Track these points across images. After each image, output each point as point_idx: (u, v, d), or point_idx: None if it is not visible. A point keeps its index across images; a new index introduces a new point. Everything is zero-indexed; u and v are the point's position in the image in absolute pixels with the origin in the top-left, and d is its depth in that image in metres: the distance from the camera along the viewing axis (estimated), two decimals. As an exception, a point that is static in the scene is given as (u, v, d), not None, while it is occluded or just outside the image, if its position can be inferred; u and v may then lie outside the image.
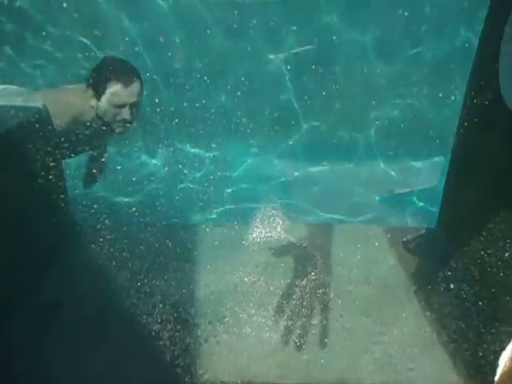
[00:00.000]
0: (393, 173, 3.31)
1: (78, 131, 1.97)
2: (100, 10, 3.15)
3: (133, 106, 2.01)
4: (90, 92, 1.98)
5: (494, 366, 0.93)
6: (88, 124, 2.01)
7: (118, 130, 2.05)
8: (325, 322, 1.41)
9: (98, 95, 1.97)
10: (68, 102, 1.95)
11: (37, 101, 1.65)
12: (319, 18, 3.32)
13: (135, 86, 1.99)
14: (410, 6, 3.25)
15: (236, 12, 3.17)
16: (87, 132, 2.02)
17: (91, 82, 1.97)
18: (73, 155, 2.15)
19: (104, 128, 2.05)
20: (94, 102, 1.98)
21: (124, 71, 1.98)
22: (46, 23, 3.14)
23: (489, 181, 1.21)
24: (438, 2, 3.27)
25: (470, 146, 1.35)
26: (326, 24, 3.34)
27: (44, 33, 3.13)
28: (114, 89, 1.96)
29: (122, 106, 1.98)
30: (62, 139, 1.84)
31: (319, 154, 3.42)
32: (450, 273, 1.36)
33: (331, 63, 3.40)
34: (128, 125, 2.05)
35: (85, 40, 3.15)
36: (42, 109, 1.57)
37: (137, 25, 3.21)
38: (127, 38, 3.18)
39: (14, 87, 2.21)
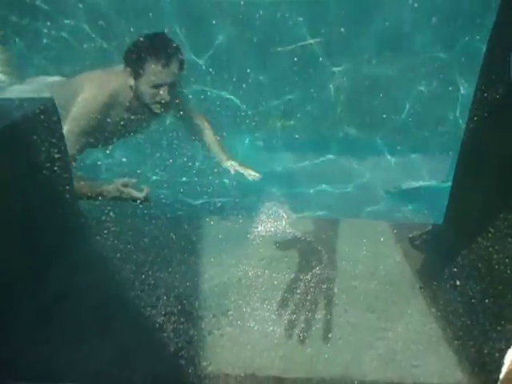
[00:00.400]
0: (400, 168, 3.29)
1: (117, 113, 1.93)
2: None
3: (171, 85, 1.90)
4: (128, 71, 1.89)
5: (499, 363, 0.93)
6: (127, 106, 1.96)
7: (156, 112, 1.96)
8: (329, 316, 1.40)
9: (136, 75, 1.88)
10: (108, 84, 1.90)
11: (47, 93, 1.65)
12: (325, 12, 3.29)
13: (174, 65, 1.87)
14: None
15: (242, 2, 3.14)
16: (126, 114, 1.96)
17: (129, 60, 1.89)
18: (113, 140, 2.08)
19: (143, 110, 1.97)
20: (132, 82, 1.90)
21: (162, 48, 1.85)
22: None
23: (497, 177, 1.19)
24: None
25: (479, 142, 1.33)
26: (332, 17, 3.31)
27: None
28: (151, 67, 1.84)
29: (159, 86, 1.88)
30: (102, 122, 1.83)
31: (326, 148, 3.41)
32: (456, 269, 1.35)
33: (338, 57, 3.37)
34: (166, 106, 1.96)
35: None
36: (50, 100, 1.56)
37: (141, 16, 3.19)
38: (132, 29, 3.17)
39: (58, 77, 2.31)
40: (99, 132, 1.92)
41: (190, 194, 2.61)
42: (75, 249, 1.64)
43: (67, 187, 1.62)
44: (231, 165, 2.23)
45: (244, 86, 3.32)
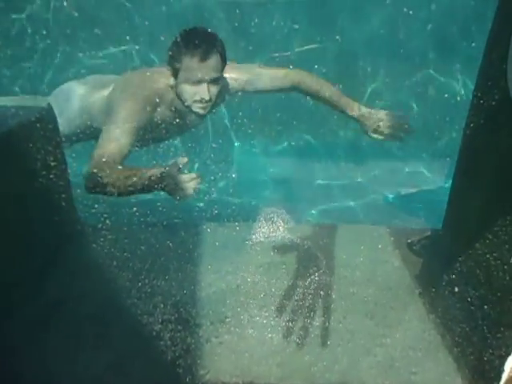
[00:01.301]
0: (398, 172, 3.29)
1: (160, 115, 1.80)
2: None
3: (212, 82, 1.73)
4: (169, 70, 1.76)
5: (499, 371, 0.92)
6: (169, 107, 1.82)
7: (196, 111, 1.78)
8: (327, 323, 1.39)
9: (175, 73, 1.74)
10: (151, 83, 1.78)
11: (41, 100, 1.65)
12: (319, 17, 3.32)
13: (212, 59, 1.69)
14: (411, 6, 3.23)
15: (238, 11, 3.16)
16: (168, 116, 1.83)
17: (168, 58, 1.74)
18: (152, 142, 1.96)
19: (184, 110, 1.81)
20: (172, 81, 1.76)
21: (197, 42, 1.68)
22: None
23: (495, 183, 1.19)
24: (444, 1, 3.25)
25: (477, 147, 1.33)
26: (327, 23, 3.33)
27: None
28: (187, 63, 1.68)
29: (198, 83, 1.71)
30: (145, 125, 1.73)
31: (323, 154, 3.40)
32: (454, 275, 1.34)
33: (333, 62, 3.39)
34: (208, 105, 1.77)
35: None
36: (46, 107, 1.56)
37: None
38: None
39: (99, 76, 2.23)
40: (144, 133, 1.79)
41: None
42: (72, 256, 1.63)
43: (63, 195, 1.61)
44: (365, 112, 1.94)
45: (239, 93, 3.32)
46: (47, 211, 1.56)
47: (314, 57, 3.34)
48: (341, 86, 2.03)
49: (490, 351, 1.07)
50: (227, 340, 1.30)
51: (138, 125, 1.67)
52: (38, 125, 1.47)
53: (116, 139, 1.59)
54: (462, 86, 3.24)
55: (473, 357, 1.17)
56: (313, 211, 2.76)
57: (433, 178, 3.17)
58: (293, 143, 3.48)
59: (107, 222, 1.67)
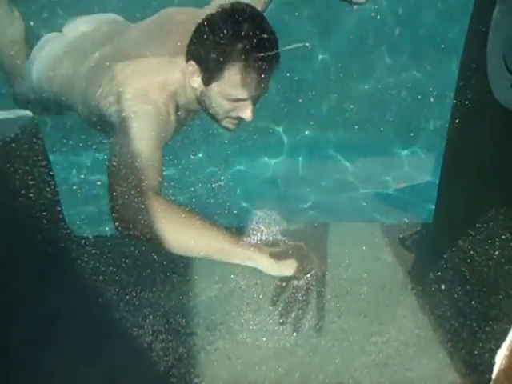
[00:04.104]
0: (386, 168, 3.29)
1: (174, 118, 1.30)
2: None
3: (257, 98, 1.26)
4: (192, 68, 1.22)
5: (491, 363, 0.92)
6: (182, 108, 1.33)
7: (225, 126, 1.34)
8: (322, 323, 1.40)
9: (209, 79, 1.21)
10: (163, 80, 1.26)
11: (25, 113, 1.64)
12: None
13: (271, 71, 1.19)
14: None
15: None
16: (177, 118, 1.32)
17: (196, 52, 1.20)
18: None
19: (194, 110, 1.39)
20: (196, 83, 1.24)
21: (264, 49, 1.12)
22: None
23: (478, 178, 1.19)
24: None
25: (461, 142, 1.33)
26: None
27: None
28: (241, 78, 1.15)
29: (243, 101, 1.22)
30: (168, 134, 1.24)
31: (314, 150, 3.40)
32: (442, 271, 1.35)
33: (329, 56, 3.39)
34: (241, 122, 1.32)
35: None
36: (30, 120, 1.56)
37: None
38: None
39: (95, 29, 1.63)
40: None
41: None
42: (63, 271, 1.63)
43: (51, 209, 1.61)
44: None
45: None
46: (35, 226, 1.56)
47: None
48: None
49: (481, 345, 1.08)
50: (222, 346, 1.30)
51: (162, 139, 1.19)
52: (21, 139, 1.46)
53: (148, 161, 1.08)
54: (448, 79, 3.25)
55: (465, 351, 1.18)
56: (303, 210, 2.77)
57: (423, 171, 3.17)
58: (281, 141, 3.47)
59: (99, 233, 1.67)
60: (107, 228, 1.75)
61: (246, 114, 1.25)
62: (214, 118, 1.33)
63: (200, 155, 3.33)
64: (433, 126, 3.34)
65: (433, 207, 1.65)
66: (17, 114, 1.62)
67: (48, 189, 1.57)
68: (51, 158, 1.65)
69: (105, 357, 1.25)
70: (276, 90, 3.21)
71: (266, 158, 3.40)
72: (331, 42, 3.37)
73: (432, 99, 3.25)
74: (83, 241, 1.69)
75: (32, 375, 1.22)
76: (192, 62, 1.21)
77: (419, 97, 3.30)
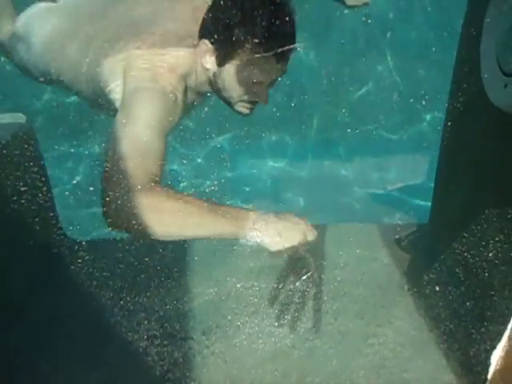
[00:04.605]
0: (382, 170, 3.30)
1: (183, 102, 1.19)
2: None
3: (274, 81, 1.17)
4: (206, 47, 1.12)
5: (487, 364, 0.92)
6: (191, 90, 1.24)
7: (240, 111, 1.23)
8: (319, 325, 1.40)
9: (224, 60, 1.12)
10: (172, 59, 1.16)
11: (20, 117, 1.63)
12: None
13: (290, 53, 1.11)
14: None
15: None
16: (186, 101, 1.23)
17: (211, 30, 1.11)
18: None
19: (204, 93, 1.29)
20: (210, 63, 1.15)
21: (285, 31, 1.07)
22: None
23: (472, 180, 1.20)
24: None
25: (456, 143, 1.33)
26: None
27: None
28: (259, 61, 1.08)
29: (258, 84, 1.13)
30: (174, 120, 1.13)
31: (308, 155, 3.41)
32: (437, 272, 1.35)
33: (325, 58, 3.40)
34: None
35: None
36: (25, 124, 1.55)
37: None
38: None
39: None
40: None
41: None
42: (59, 275, 1.62)
43: (47, 213, 1.60)
44: None
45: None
46: (29, 231, 1.55)
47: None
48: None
49: (477, 346, 1.08)
50: (218, 350, 1.30)
51: (168, 123, 1.11)
52: (16, 142, 1.46)
53: (150, 146, 1.02)
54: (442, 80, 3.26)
55: (460, 352, 1.18)
56: (299, 211, 2.76)
57: (419, 173, 3.18)
58: (278, 143, 3.47)
59: (96, 237, 1.66)
60: (102, 232, 1.74)
61: (262, 98, 1.16)
62: (226, 101, 1.23)
63: (207, 153, 3.33)
64: (428, 127, 3.34)
65: (429, 208, 1.65)
66: (11, 117, 1.61)
67: (43, 193, 1.57)
68: (45, 161, 1.64)
69: (101, 362, 1.25)
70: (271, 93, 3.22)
71: (261, 160, 3.40)
72: (323, 46, 3.38)
73: (427, 100, 3.26)
74: (78, 245, 1.68)
75: (29, 380, 1.22)
76: (205, 41, 1.11)
77: (414, 98, 3.31)
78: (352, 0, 1.47)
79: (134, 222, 0.90)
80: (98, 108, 1.35)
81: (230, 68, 1.12)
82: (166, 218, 0.93)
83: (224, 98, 1.22)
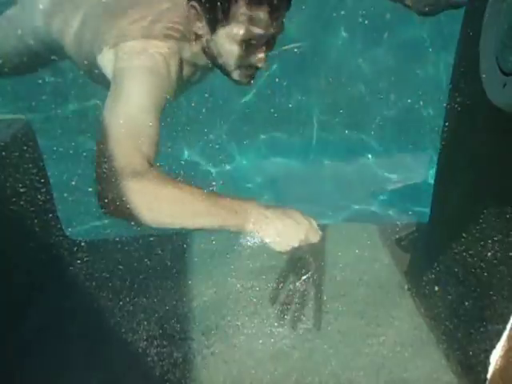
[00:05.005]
0: (382, 169, 3.30)
1: (177, 77, 1.14)
2: None
3: (272, 41, 1.13)
4: (195, 11, 1.08)
5: (487, 364, 0.92)
6: (187, 64, 1.19)
7: (238, 80, 1.18)
8: (319, 325, 1.40)
9: (214, 22, 1.08)
10: (163, 29, 1.12)
11: (18, 117, 1.63)
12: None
13: (284, 8, 1.07)
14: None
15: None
16: (182, 77, 1.18)
17: None
18: None
19: (203, 67, 1.24)
20: (201, 29, 1.11)
21: None
22: None
23: (471, 180, 1.19)
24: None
25: (456, 143, 1.33)
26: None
27: None
28: (250, 14, 1.03)
29: (255, 43, 1.09)
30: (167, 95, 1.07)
31: (307, 155, 3.41)
32: (437, 272, 1.35)
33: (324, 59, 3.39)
34: (256, 72, 1.17)
35: None
36: (23, 124, 1.55)
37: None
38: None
39: None
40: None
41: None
42: (60, 276, 1.62)
43: (47, 214, 1.60)
44: None
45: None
46: (30, 231, 1.55)
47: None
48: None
49: (476, 345, 1.08)
50: (218, 350, 1.30)
51: (161, 99, 1.04)
52: (16, 143, 1.46)
53: (142, 126, 0.96)
54: (442, 79, 3.26)
55: (460, 352, 1.18)
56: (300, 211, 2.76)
57: (419, 172, 3.17)
58: (277, 142, 3.47)
59: (96, 238, 1.66)
60: (103, 233, 1.74)
61: (259, 57, 1.11)
62: (224, 70, 1.17)
63: (205, 154, 3.33)
64: (428, 127, 3.34)
65: (428, 208, 1.65)
66: (11, 118, 1.61)
67: (43, 194, 1.57)
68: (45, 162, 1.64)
69: (100, 363, 1.25)
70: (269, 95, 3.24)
71: (261, 159, 3.40)
72: (319, 44, 3.38)
73: (426, 100, 3.25)
74: (78, 246, 1.69)
75: (29, 380, 1.22)
76: (194, 3, 1.07)
77: (413, 97, 3.31)
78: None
79: (127, 207, 0.86)
80: (97, 81, 1.31)
81: (223, 31, 1.08)
82: (160, 205, 0.88)
83: (221, 67, 1.17)
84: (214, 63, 1.17)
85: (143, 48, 1.06)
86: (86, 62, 1.26)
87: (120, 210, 0.87)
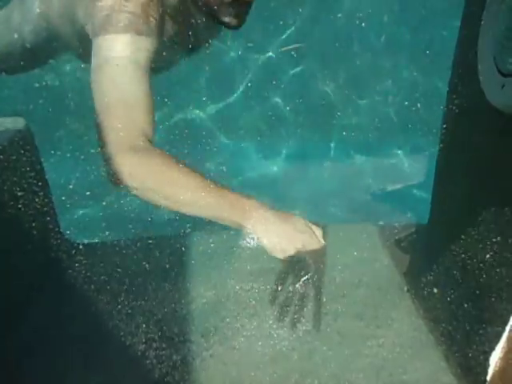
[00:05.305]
0: (381, 170, 3.30)
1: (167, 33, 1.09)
2: None
3: None
4: None
5: (486, 366, 0.92)
6: (179, 17, 1.11)
7: (227, 22, 1.07)
8: (318, 327, 1.39)
9: None
10: None
11: (19, 121, 1.63)
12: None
13: None
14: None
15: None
16: (176, 33, 1.12)
17: None
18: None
19: (198, 21, 1.14)
20: None
21: None
22: None
23: (469, 181, 1.19)
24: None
25: (454, 144, 1.33)
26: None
27: None
28: None
29: None
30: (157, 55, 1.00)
31: (307, 155, 3.41)
32: (436, 273, 1.35)
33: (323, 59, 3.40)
34: (246, 11, 1.07)
35: None
36: (23, 128, 1.55)
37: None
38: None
39: None
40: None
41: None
42: (58, 278, 1.62)
43: (46, 218, 1.60)
44: None
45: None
46: (29, 234, 1.55)
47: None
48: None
49: (476, 347, 1.08)
50: (217, 352, 1.30)
51: (149, 61, 0.96)
52: (14, 146, 1.46)
53: (133, 96, 0.90)
54: (441, 81, 3.27)
55: (460, 353, 1.18)
56: (298, 212, 2.76)
57: (418, 173, 3.18)
58: (280, 143, 3.48)
59: (94, 240, 1.66)
60: (101, 236, 1.74)
61: None
62: (210, 11, 1.06)
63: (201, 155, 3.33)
64: (427, 128, 3.35)
65: (428, 209, 1.65)
66: (10, 121, 1.61)
67: (41, 197, 1.56)
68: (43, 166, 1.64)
69: (99, 365, 1.24)
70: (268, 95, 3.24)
71: (261, 159, 3.41)
72: (318, 47, 3.38)
73: (425, 101, 3.26)
74: (76, 249, 1.68)
75: (28, 381, 1.21)
76: None
77: (413, 98, 3.32)
78: None
79: (134, 178, 0.84)
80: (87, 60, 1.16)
81: None
82: (162, 187, 0.85)
83: (207, 9, 1.06)
84: (199, 9, 1.08)
85: (119, 2, 0.94)
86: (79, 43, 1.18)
87: (127, 179, 0.84)
